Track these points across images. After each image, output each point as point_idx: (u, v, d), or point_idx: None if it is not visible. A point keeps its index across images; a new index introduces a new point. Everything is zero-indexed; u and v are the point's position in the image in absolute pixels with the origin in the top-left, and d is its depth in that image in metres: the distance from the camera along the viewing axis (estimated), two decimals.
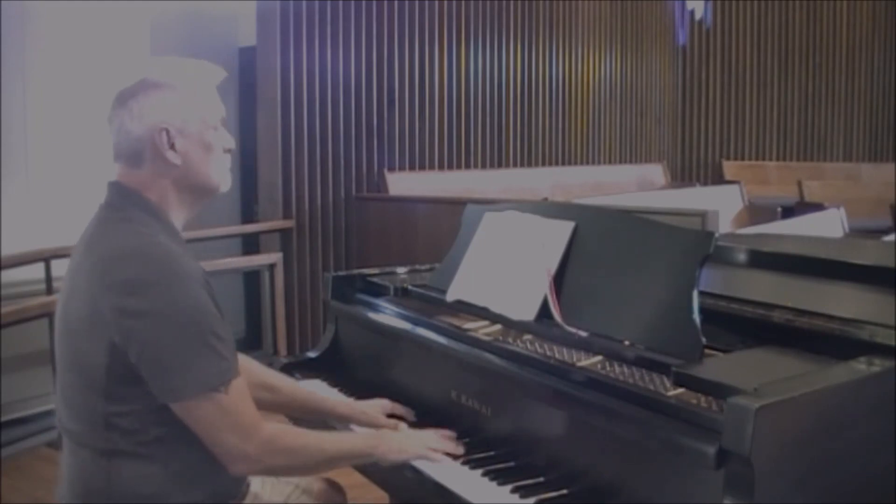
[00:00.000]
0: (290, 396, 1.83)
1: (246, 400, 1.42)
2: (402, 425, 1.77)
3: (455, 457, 1.61)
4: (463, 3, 5.88)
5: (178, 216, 1.51)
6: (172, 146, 1.45)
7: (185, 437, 1.39)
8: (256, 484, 1.66)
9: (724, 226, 4.55)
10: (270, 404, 1.81)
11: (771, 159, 8.43)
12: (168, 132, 1.44)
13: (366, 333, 2.13)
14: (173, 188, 1.48)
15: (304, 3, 4.92)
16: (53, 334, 1.53)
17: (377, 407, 1.83)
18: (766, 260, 1.99)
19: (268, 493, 1.69)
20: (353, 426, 1.81)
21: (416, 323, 1.94)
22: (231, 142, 1.56)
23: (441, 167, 5.81)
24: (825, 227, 4.38)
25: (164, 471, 1.40)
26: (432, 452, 1.60)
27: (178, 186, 1.48)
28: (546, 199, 5.41)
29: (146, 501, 1.40)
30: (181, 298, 1.35)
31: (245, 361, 1.81)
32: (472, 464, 1.59)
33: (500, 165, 6.27)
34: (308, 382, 2.07)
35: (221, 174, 1.53)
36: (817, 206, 5.31)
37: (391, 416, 1.82)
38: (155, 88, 1.44)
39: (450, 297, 1.96)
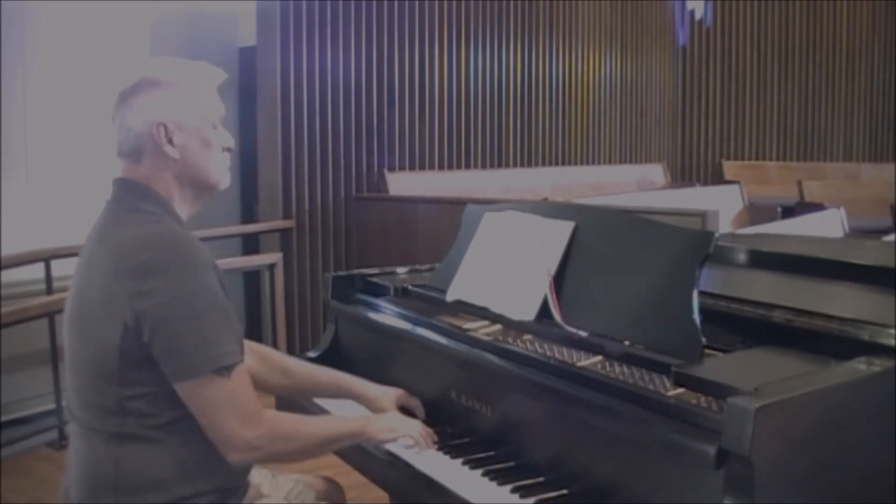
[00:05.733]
0: (307, 379, 1.87)
1: (249, 388, 1.45)
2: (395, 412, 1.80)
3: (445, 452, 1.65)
4: (463, 3, 5.88)
5: (181, 210, 1.54)
6: (171, 141, 1.48)
7: (195, 423, 1.42)
8: (257, 480, 1.66)
9: (724, 226, 4.56)
10: (287, 388, 1.87)
11: (771, 159, 8.43)
12: (166, 127, 1.47)
13: (366, 333, 2.13)
14: (175, 182, 1.51)
15: (304, 3, 4.92)
16: (54, 334, 1.55)
17: (392, 395, 1.84)
18: (766, 260, 1.99)
19: (268, 490, 1.70)
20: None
21: (416, 323, 1.94)
22: (230, 140, 1.59)
23: (441, 167, 5.81)
24: (825, 227, 4.39)
25: (172, 457, 1.42)
26: (421, 437, 1.65)
27: (179, 180, 1.52)
28: (546, 199, 5.41)
29: (153, 488, 1.41)
30: (193, 281, 1.39)
31: (260, 348, 1.87)
32: (472, 464, 1.59)
33: (500, 165, 6.27)
34: None
35: (220, 171, 1.57)
36: (817, 206, 5.32)
37: (401, 409, 1.83)
38: (154, 86, 1.48)
39: (450, 297, 1.96)
